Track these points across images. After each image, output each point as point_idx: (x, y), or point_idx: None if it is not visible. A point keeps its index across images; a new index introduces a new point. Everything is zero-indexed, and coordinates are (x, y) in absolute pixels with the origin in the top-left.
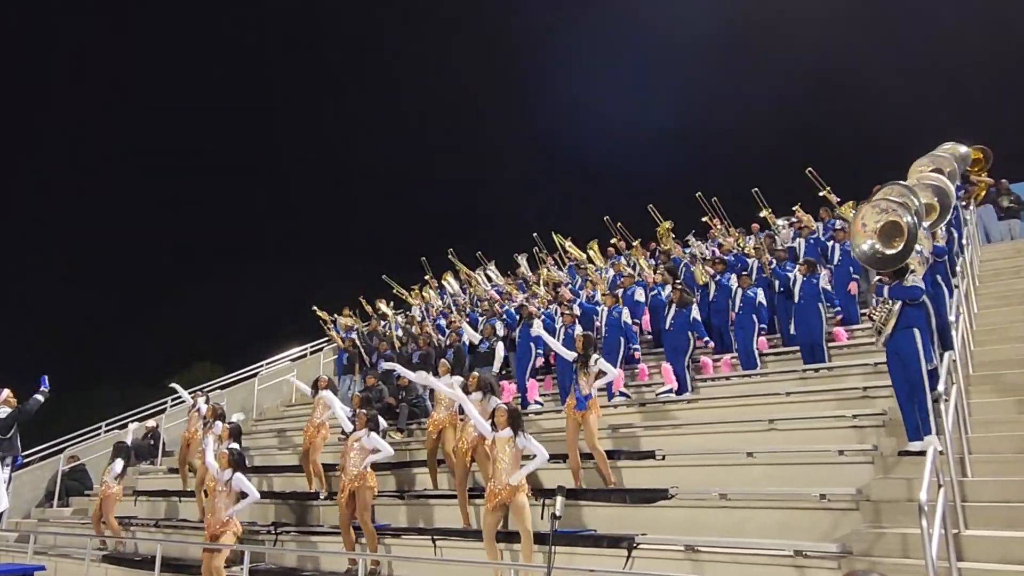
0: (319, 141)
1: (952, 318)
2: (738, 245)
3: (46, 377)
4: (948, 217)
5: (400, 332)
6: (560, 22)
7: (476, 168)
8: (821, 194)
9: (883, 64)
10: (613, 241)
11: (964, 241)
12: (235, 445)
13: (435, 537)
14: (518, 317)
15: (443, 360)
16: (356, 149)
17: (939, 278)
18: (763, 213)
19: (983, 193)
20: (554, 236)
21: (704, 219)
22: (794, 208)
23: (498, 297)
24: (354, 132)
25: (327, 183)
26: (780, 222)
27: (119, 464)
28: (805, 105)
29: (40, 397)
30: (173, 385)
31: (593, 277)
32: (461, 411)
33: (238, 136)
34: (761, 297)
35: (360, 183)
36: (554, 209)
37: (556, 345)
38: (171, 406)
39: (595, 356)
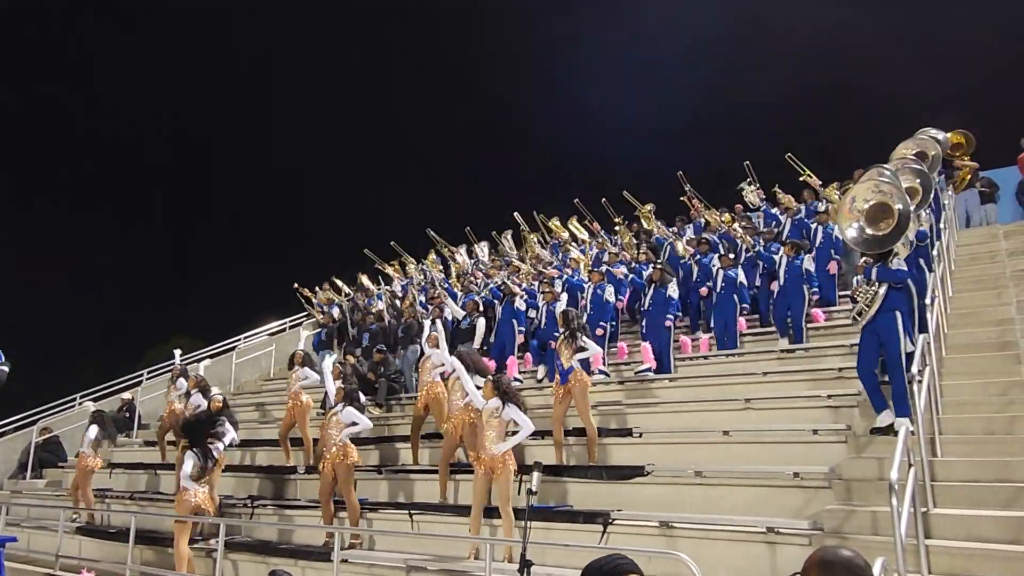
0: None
1: (928, 301)
2: (724, 224)
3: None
4: (929, 200)
5: (383, 305)
6: (571, 24)
7: (483, 159)
8: (802, 179)
9: (886, 55)
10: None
11: (941, 225)
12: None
13: (412, 512)
14: (501, 294)
15: (432, 334)
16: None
17: (921, 261)
18: (745, 184)
19: (968, 177)
20: (536, 216)
21: (683, 199)
22: (775, 190)
23: (479, 275)
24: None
25: (328, 169)
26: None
27: (93, 430)
28: (810, 99)
29: (5, 368)
30: (176, 351)
31: (575, 255)
32: (444, 380)
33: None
34: (742, 277)
35: (360, 169)
36: (557, 197)
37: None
38: (147, 379)
39: (578, 332)
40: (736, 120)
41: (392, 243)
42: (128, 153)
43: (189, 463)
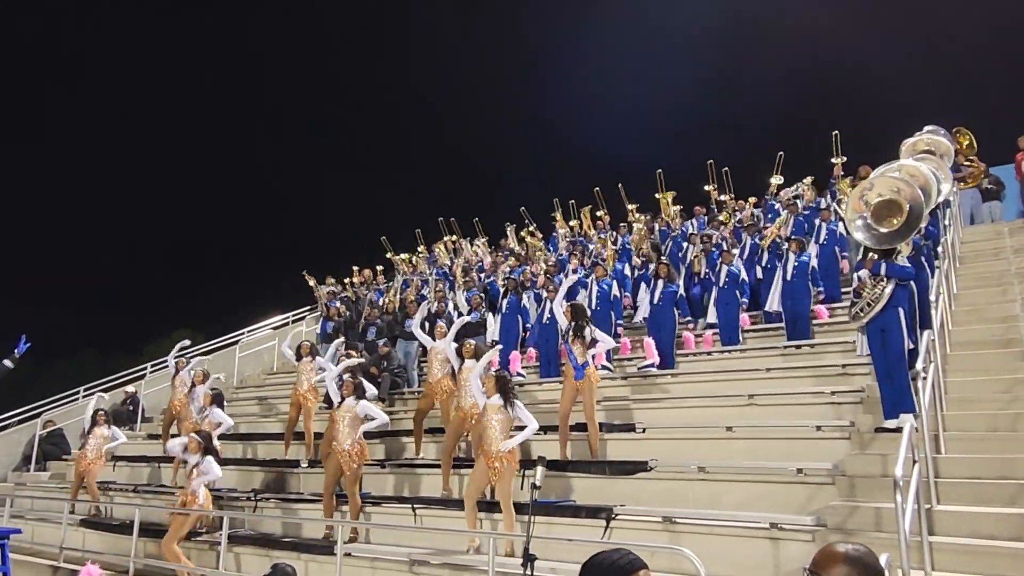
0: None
1: (932, 298)
2: (737, 221)
3: (24, 336)
4: (939, 201)
5: (385, 300)
6: (569, 14)
7: (486, 151)
8: (834, 160)
9: (880, 48)
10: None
11: (947, 222)
12: (219, 410)
13: (415, 505)
14: (502, 290)
15: (439, 323)
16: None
17: (922, 258)
18: (773, 180)
19: (979, 178)
20: (556, 207)
21: (706, 187)
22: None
23: (488, 264)
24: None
25: (338, 159)
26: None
27: (105, 429)
28: (805, 91)
29: (9, 363)
30: (184, 342)
31: (599, 243)
32: (453, 376)
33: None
34: (744, 274)
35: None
36: (557, 190)
37: (557, 305)
38: (150, 372)
39: (589, 326)
40: (734, 118)
41: (417, 231)
42: (126, 153)
43: (217, 473)
